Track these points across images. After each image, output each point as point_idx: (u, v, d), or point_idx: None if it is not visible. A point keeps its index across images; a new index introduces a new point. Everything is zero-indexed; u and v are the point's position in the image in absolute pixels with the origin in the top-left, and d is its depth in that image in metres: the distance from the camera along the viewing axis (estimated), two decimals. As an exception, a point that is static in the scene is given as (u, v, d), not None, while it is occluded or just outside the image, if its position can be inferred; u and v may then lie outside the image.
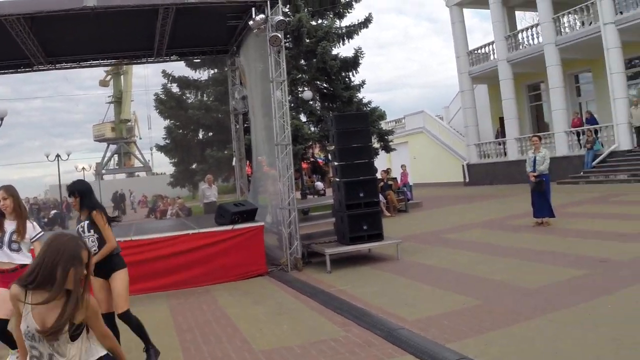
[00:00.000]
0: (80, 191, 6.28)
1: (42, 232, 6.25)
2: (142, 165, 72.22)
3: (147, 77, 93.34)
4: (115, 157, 73.27)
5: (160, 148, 33.18)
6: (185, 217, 19.10)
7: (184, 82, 31.21)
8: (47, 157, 42.35)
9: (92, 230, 6.21)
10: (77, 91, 74.21)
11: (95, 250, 6.07)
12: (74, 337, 3.38)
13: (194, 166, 32.35)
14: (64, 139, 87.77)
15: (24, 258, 6.16)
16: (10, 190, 6.32)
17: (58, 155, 41.69)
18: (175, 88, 32.23)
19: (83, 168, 51.75)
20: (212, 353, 6.59)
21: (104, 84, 65.51)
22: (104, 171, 68.21)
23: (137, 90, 63.72)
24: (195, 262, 10.77)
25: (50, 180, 57.66)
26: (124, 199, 47.75)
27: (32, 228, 6.34)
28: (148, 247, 10.69)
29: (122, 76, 67.85)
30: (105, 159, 72.42)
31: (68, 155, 42.86)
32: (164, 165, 75.42)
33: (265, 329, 7.38)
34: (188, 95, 32.55)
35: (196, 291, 10.34)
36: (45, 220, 30.17)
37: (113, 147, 72.94)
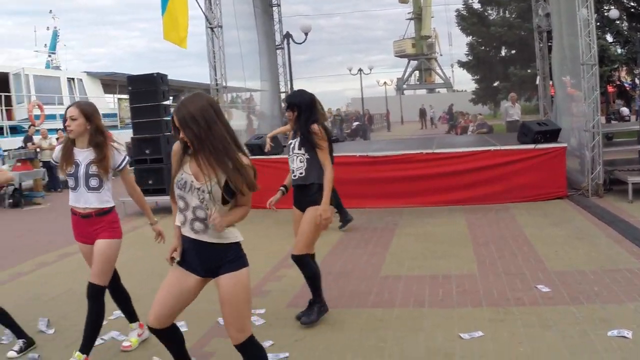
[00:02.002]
0: (300, 103, 5.44)
1: (127, 157, 4.82)
2: (442, 81, 72.87)
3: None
4: (416, 73, 74.65)
5: (462, 64, 33.30)
6: (486, 134, 19.22)
7: (485, -1, 30.77)
8: (350, 71, 44.57)
9: (302, 149, 5.39)
10: (376, 8, 76.25)
11: (301, 173, 5.36)
12: (224, 201, 3.40)
13: (496, 84, 32.05)
14: (365, 55, 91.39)
15: (102, 201, 4.70)
16: (82, 108, 4.67)
17: (360, 70, 43.69)
18: (476, 4, 31.92)
19: (385, 83, 53.56)
20: (505, 268, 6.78)
21: (403, 0, 66.33)
22: (405, 86, 70.09)
23: (437, 7, 63.75)
24: (495, 179, 10.92)
25: (352, 94, 60.66)
26: (425, 114, 48.85)
27: (117, 153, 4.75)
28: (449, 161, 11.13)
29: (421, -8, 68.13)
30: (406, 74, 74.17)
31: (370, 70, 44.65)
32: (464, 82, 75.32)
33: (561, 251, 7.40)
34: (490, 11, 32.04)
35: (494, 207, 10.52)
36: (348, 131, 31.93)
37: (414, 63, 74.30)
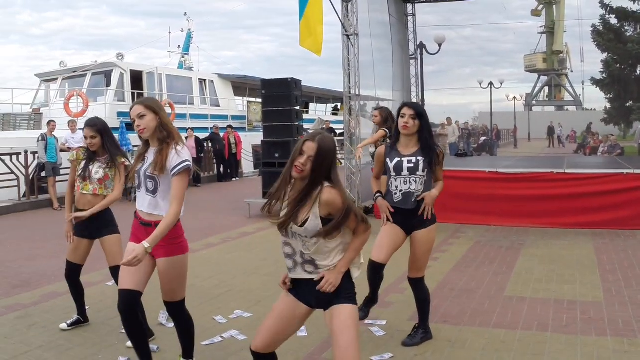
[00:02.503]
0: (424, 113, 5.00)
1: (187, 163, 4.10)
2: (572, 98, 70.52)
3: (580, 8, 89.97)
4: (546, 88, 72.63)
5: (596, 82, 32.16)
6: (617, 156, 18.50)
7: (622, 14, 29.61)
8: (480, 84, 43.81)
9: (425, 170, 5.00)
10: (507, 21, 74.90)
11: (420, 188, 5.00)
12: (327, 234, 3.35)
13: (629, 104, 30.74)
14: (494, 68, 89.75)
15: (157, 207, 4.21)
16: (147, 104, 4.29)
17: (491, 83, 42.92)
18: (613, 20, 30.76)
19: (514, 97, 52.38)
20: (632, 297, 6.53)
21: (535, 13, 64.55)
22: (534, 102, 68.34)
23: (570, 21, 61.93)
24: (626, 204, 10.52)
25: (478, 108, 59.70)
26: (553, 132, 47.46)
27: (176, 155, 4.12)
28: (580, 182, 10.80)
29: (554, 6, 66.21)
30: (536, 90, 72.29)
31: (501, 84, 43.77)
32: (594, 100, 72.71)
33: (694, 283, 7.03)
34: (627, 27, 30.84)
35: (623, 233, 10.14)
36: (475, 146, 31.57)
37: (544, 78, 72.34)
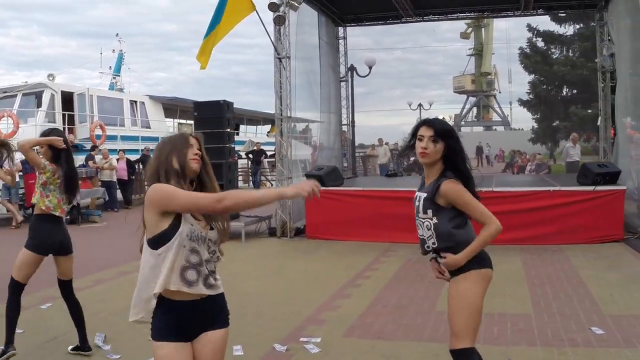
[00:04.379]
0: (452, 134, 3.81)
1: None
2: (500, 119, 72.32)
3: (508, 31, 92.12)
4: (474, 109, 74.29)
5: (523, 103, 33.21)
6: (544, 174, 19.15)
7: (549, 37, 30.74)
8: (410, 105, 44.66)
9: (429, 211, 3.76)
10: (436, 43, 76.42)
11: (429, 234, 3.79)
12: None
13: (555, 123, 31.81)
14: (422, 90, 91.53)
15: None
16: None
17: (420, 105, 43.78)
18: (540, 42, 31.82)
19: (443, 118, 53.50)
20: (560, 310, 6.74)
21: (464, 36, 66.02)
22: (462, 123, 69.70)
23: (498, 44, 63.57)
24: (552, 220, 10.89)
25: (408, 128, 60.37)
26: (481, 151, 48.55)
27: None
28: (508, 200, 11.09)
29: (482, 29, 67.93)
30: (464, 110, 73.85)
31: (430, 105, 44.70)
32: (521, 120, 74.68)
33: (617, 294, 7.31)
34: (553, 50, 31.93)
35: (550, 248, 10.46)
36: (405, 166, 31.79)
37: (472, 99, 73.95)
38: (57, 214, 5.33)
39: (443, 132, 3.72)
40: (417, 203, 3.84)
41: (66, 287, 5.49)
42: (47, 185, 5.25)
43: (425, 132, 3.72)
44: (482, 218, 3.69)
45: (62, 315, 6.27)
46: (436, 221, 3.72)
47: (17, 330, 5.43)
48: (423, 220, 3.78)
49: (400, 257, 10.12)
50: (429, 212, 3.73)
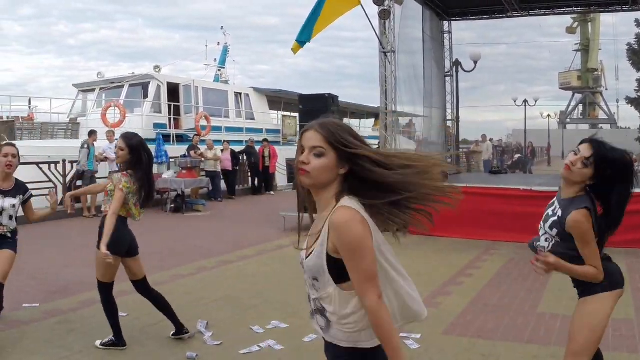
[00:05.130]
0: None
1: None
2: (606, 117, 69.94)
3: (615, 26, 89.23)
4: (580, 106, 72.15)
5: (630, 101, 32.08)
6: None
7: (658, 32, 29.52)
8: (515, 101, 43.74)
9: (554, 230, 3.54)
10: (541, 38, 74.76)
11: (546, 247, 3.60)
12: (338, 277, 2.26)
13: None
14: (528, 85, 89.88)
15: None
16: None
17: (525, 101, 42.81)
18: (649, 38, 30.68)
19: (548, 115, 52.20)
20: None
21: (570, 31, 64.22)
22: (568, 120, 67.87)
23: (605, 39, 61.55)
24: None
25: (512, 125, 59.23)
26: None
27: None
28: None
29: (589, 24, 65.83)
30: (570, 107, 71.82)
31: (535, 102, 43.63)
32: (628, 119, 72.14)
33: None
34: (663, 46, 30.73)
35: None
36: (509, 163, 31.35)
37: (578, 96, 71.88)
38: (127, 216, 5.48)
39: (604, 160, 3.34)
40: (549, 211, 3.63)
41: (140, 286, 5.63)
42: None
43: (584, 150, 3.39)
44: (590, 261, 3.40)
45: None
46: (558, 240, 3.51)
47: (121, 314, 5.71)
48: (546, 233, 3.60)
49: (503, 255, 9.98)
50: (554, 230, 3.52)
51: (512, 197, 11.19)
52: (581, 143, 3.44)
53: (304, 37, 11.67)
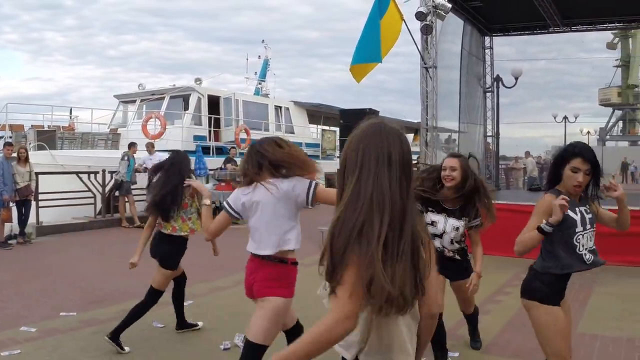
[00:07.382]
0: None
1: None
2: (646, 134, 68.91)
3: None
4: (620, 123, 71.14)
5: (671, 118, 31.57)
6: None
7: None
8: (555, 118, 43.32)
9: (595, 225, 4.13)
10: (581, 54, 73.99)
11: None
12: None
13: None
14: (568, 102, 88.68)
15: None
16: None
17: (565, 117, 42.38)
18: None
19: (588, 132, 51.61)
20: None
21: (611, 46, 63.20)
22: (607, 137, 66.93)
23: (651, 56, 60.71)
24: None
25: (551, 141, 58.50)
26: (626, 168, 46.30)
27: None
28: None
29: (629, 39, 64.99)
30: (609, 124, 70.84)
31: (575, 118, 43.19)
32: (670, 136, 71.02)
33: None
34: None
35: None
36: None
37: (618, 112, 70.87)
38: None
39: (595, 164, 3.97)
40: (586, 216, 4.10)
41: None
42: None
43: (582, 164, 3.94)
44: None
45: (202, 312, 6.86)
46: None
47: (158, 325, 6.19)
48: (591, 232, 4.15)
49: (541, 274, 9.84)
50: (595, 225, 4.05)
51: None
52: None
53: (371, 58, 11.66)
